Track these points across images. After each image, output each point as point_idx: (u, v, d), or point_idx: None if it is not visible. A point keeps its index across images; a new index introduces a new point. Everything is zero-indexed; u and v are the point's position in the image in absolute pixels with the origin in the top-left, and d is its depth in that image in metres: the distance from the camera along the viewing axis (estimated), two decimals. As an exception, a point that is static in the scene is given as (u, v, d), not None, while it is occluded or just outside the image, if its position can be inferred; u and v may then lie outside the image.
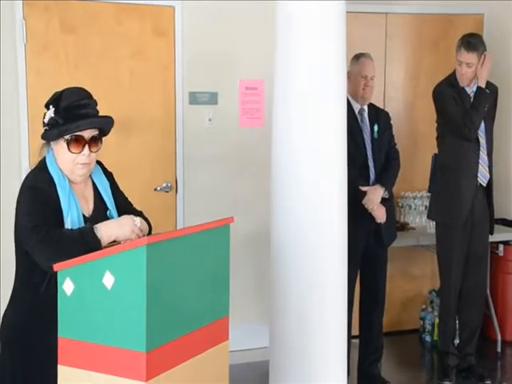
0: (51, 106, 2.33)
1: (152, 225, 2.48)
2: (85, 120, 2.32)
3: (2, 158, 4.11)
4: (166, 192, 4.54)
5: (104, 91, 4.19)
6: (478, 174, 4.20)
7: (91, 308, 2.01)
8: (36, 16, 4.15)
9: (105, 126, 2.43)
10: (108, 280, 1.98)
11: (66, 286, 2.05)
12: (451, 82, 4.25)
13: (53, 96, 2.37)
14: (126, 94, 4.39)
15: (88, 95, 2.39)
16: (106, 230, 2.24)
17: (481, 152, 4.20)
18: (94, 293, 2.01)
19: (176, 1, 4.44)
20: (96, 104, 2.40)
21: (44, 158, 2.39)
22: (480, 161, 4.20)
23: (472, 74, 4.17)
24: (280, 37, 3.23)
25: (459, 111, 4.14)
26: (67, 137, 2.32)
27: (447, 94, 4.22)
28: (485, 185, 4.23)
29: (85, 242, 2.18)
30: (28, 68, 4.15)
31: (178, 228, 4.43)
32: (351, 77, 4.10)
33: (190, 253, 2.16)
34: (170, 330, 2.05)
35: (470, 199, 4.19)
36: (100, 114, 2.45)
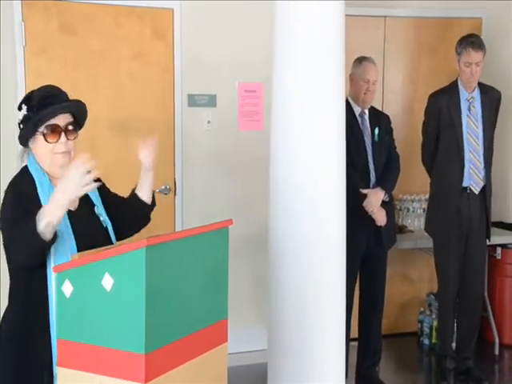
0: (23, 105, 2.35)
1: (148, 224, 2.48)
2: (55, 105, 2.33)
3: (1, 159, 4.11)
4: (165, 194, 4.54)
5: (103, 93, 4.20)
6: (471, 182, 4.20)
7: (90, 310, 2.01)
8: (35, 17, 4.16)
9: (77, 110, 2.41)
10: (107, 282, 1.98)
11: (65, 288, 2.05)
12: (450, 89, 4.27)
13: (23, 97, 2.39)
14: (124, 95, 4.39)
15: (57, 88, 2.40)
16: (48, 208, 2.12)
17: (472, 159, 4.20)
18: (93, 294, 2.00)
19: (175, 1, 4.45)
20: (67, 96, 2.41)
21: (26, 165, 2.41)
22: (471, 168, 4.20)
23: (480, 73, 4.19)
24: (278, 39, 3.23)
25: (425, 142, 4.41)
26: (42, 129, 2.32)
27: (432, 109, 4.29)
28: (477, 192, 4.23)
29: (30, 236, 2.11)
30: (27, 69, 4.16)
31: (176, 230, 4.43)
32: (353, 80, 4.10)
33: (189, 255, 2.16)
34: (169, 332, 2.05)
35: (456, 211, 4.21)
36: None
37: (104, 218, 2.45)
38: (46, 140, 2.33)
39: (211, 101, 4.59)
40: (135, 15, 4.39)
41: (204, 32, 4.52)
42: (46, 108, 2.31)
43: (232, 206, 4.58)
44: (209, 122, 4.58)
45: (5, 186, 2.36)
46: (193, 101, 4.55)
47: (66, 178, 2.13)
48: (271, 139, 3.32)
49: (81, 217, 2.32)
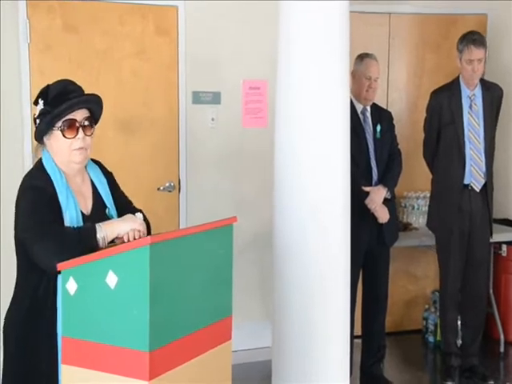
0: (40, 100, 2.34)
1: (151, 225, 2.48)
2: (73, 100, 2.33)
3: (5, 157, 4.11)
4: (169, 192, 4.54)
5: (107, 91, 4.19)
6: (472, 180, 4.19)
7: (94, 307, 2.01)
8: (39, 15, 4.16)
9: (93, 104, 2.42)
10: (111, 279, 1.98)
11: (69, 286, 2.05)
12: (451, 86, 4.26)
13: (40, 91, 2.38)
14: (129, 93, 4.39)
15: (73, 83, 2.40)
16: (109, 227, 2.25)
17: (473, 157, 4.19)
18: (97, 292, 2.01)
19: (179, 0, 4.44)
20: (82, 90, 2.41)
21: (40, 159, 2.40)
22: (472, 166, 4.19)
23: (482, 70, 4.19)
24: (282, 36, 3.23)
25: (426, 138, 4.39)
26: (59, 124, 2.32)
27: (434, 107, 4.30)
28: (478, 190, 4.22)
29: (84, 242, 2.18)
30: (31, 67, 4.16)
31: (180, 228, 4.43)
32: (355, 77, 4.09)
33: (193, 252, 2.16)
34: (173, 330, 2.05)
35: (458, 208, 4.20)
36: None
37: (115, 218, 2.44)
38: (64, 136, 2.33)
39: (215, 98, 4.58)
40: (139, 13, 4.38)
41: (208, 29, 4.51)
42: (64, 103, 2.31)
43: (236, 203, 4.58)
44: (213, 120, 4.58)
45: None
46: (197, 98, 4.54)
47: (127, 216, 2.32)
48: (275, 136, 3.32)
49: (94, 220, 2.32)
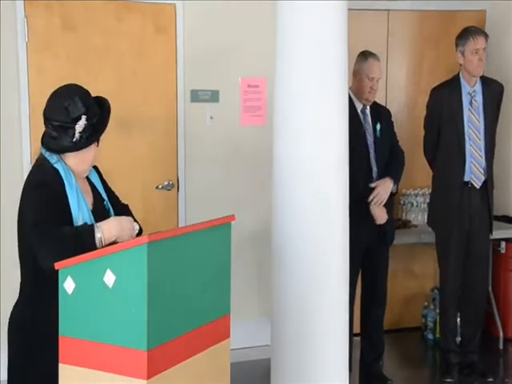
0: (83, 115, 2.36)
1: (149, 225, 2.52)
2: (106, 115, 2.46)
3: (4, 156, 4.11)
4: (168, 190, 4.54)
5: (105, 89, 4.14)
6: (472, 176, 4.19)
7: (92, 306, 2.02)
8: (37, 14, 4.15)
9: None
10: (109, 278, 1.98)
11: (67, 285, 2.05)
12: (451, 83, 4.27)
13: (82, 107, 2.36)
14: (127, 91, 4.38)
15: (85, 90, 2.45)
16: (108, 229, 2.26)
17: (473, 153, 4.19)
18: (95, 291, 2.01)
19: (177, -1, 4.44)
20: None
21: (41, 155, 2.41)
22: (472, 162, 4.19)
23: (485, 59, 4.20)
24: (281, 34, 3.22)
25: (427, 136, 4.39)
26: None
27: (434, 103, 4.30)
28: (478, 186, 4.21)
29: (83, 242, 2.19)
30: (29, 66, 4.16)
31: (179, 226, 4.43)
32: (357, 76, 4.07)
33: (191, 251, 2.16)
34: (171, 329, 2.05)
35: (458, 205, 4.20)
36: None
37: (111, 211, 2.51)
38: (98, 144, 2.46)
39: (214, 96, 4.58)
40: (137, 11, 4.38)
41: (206, 27, 4.50)
42: (102, 117, 2.43)
43: (235, 201, 4.57)
44: (211, 118, 4.58)
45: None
46: (195, 96, 4.54)
47: (126, 223, 2.33)
48: (273, 134, 3.31)
49: (99, 213, 2.39)
